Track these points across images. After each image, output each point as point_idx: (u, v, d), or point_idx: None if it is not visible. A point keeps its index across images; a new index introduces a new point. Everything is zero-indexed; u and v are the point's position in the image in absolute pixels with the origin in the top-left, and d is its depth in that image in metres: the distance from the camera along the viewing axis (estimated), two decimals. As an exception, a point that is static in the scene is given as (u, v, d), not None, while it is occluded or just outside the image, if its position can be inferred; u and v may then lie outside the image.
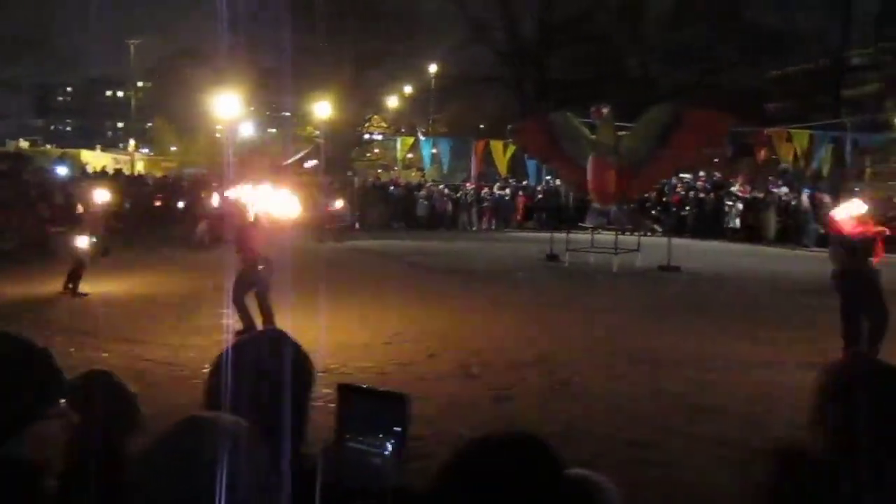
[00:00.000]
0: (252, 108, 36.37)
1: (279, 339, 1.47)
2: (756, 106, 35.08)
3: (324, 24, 30.95)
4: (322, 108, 31.11)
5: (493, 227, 26.78)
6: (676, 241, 16.81)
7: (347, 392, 1.34)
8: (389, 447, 1.26)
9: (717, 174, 27.79)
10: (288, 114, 44.88)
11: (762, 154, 27.64)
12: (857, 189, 8.89)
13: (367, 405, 1.31)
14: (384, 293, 11.09)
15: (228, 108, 26.14)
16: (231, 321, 7.97)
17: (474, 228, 26.47)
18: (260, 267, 8.18)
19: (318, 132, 34.67)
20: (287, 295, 8.61)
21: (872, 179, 25.05)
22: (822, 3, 32.00)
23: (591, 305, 11.03)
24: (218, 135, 35.39)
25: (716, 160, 28.11)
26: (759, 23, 34.85)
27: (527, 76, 38.58)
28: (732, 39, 35.69)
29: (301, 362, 1.44)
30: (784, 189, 24.51)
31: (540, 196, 28.44)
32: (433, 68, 37.95)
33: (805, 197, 22.27)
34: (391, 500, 1.24)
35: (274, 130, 46.28)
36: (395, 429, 1.28)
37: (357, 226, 24.19)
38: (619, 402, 6.28)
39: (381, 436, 1.27)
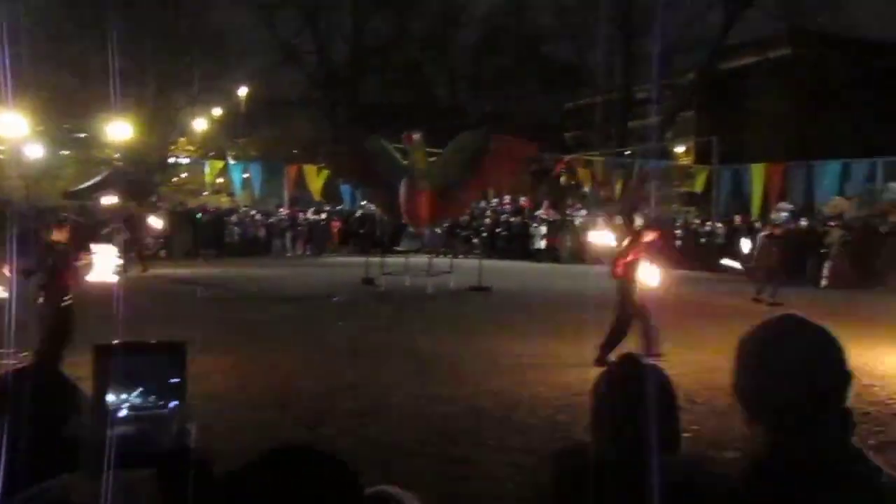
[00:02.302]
0: (41, 129, 33.30)
1: None
2: (555, 134, 37.57)
3: (119, 40, 29.04)
4: (121, 130, 29.13)
5: (309, 252, 26.43)
6: (487, 262, 17.47)
7: (106, 351, 1.14)
8: (172, 403, 1.12)
9: (523, 199, 29.31)
10: (83, 135, 41.61)
11: (563, 180, 29.66)
12: (645, 212, 9.85)
13: (136, 361, 1.14)
14: (192, 324, 10.52)
15: (12, 127, 23.78)
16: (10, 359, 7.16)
17: (289, 254, 25.98)
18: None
19: (117, 155, 32.42)
20: (81, 332, 7.92)
21: (658, 202, 27.54)
22: (608, 40, 34.82)
23: (406, 327, 11.16)
24: (1, 156, 32.04)
25: (521, 185, 29.66)
26: (556, 58, 37.58)
27: (339, 100, 38.65)
28: (532, 72, 38.07)
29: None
30: (583, 212, 26.41)
31: (355, 220, 28.50)
32: (243, 90, 36.95)
33: (599, 219, 24.10)
34: (193, 468, 1.10)
35: (68, 153, 42.60)
36: (171, 381, 1.14)
37: (163, 253, 22.91)
38: (434, 421, 6.37)
39: (158, 392, 1.11)
